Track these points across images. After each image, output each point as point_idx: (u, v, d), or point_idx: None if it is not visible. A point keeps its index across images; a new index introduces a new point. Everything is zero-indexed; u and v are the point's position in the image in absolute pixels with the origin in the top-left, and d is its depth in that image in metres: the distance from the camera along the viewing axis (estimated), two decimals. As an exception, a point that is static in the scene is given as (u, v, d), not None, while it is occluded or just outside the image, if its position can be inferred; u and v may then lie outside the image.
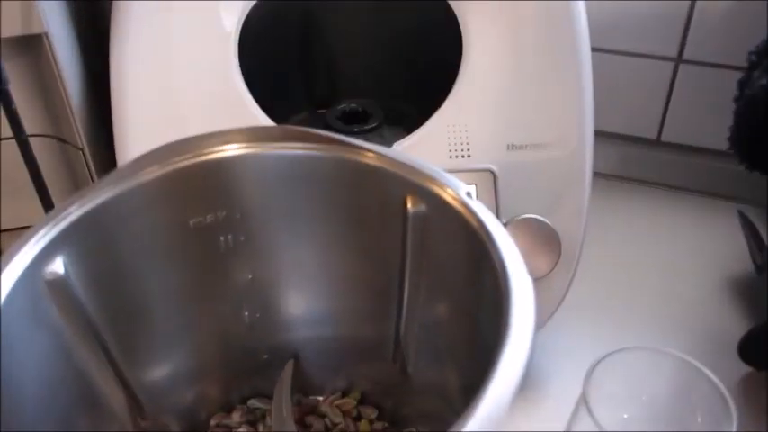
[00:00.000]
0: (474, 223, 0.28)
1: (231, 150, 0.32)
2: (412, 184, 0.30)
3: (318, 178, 0.33)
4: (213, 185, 0.33)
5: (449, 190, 0.29)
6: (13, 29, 0.43)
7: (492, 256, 0.26)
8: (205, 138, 0.32)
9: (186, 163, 0.32)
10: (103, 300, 0.31)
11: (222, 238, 0.34)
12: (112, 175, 0.31)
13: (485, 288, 0.27)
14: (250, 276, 0.36)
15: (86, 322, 0.30)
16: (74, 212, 0.29)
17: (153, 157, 0.31)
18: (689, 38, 0.59)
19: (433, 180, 0.30)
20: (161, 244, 0.33)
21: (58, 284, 0.28)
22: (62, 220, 0.29)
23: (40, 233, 0.28)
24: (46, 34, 0.44)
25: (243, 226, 0.34)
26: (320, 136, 0.32)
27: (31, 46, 0.45)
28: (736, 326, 0.49)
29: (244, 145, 0.32)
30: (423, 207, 0.31)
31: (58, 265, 0.28)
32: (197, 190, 0.32)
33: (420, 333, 0.35)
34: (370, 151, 0.31)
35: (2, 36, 0.42)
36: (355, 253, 0.35)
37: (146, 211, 0.32)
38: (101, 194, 0.30)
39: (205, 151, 0.32)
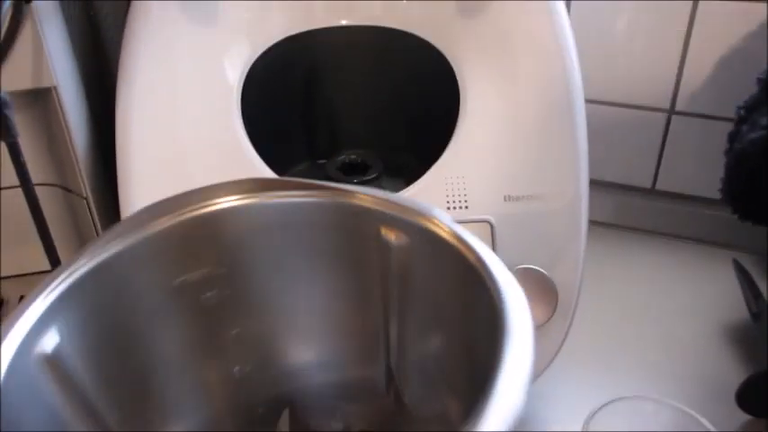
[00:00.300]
0: (464, 250, 0.28)
1: (228, 202, 0.32)
2: (393, 217, 0.30)
3: (302, 221, 0.33)
4: (204, 238, 0.33)
5: (437, 221, 0.29)
6: (24, 82, 0.44)
7: (483, 277, 0.26)
8: (196, 192, 0.32)
9: (177, 219, 0.32)
10: (97, 371, 0.30)
11: (209, 294, 0.34)
12: (113, 231, 0.31)
13: (479, 312, 0.26)
14: (237, 330, 0.36)
15: (82, 395, 0.30)
16: (66, 280, 0.29)
17: (155, 209, 0.32)
18: (680, 90, 0.61)
19: (419, 213, 0.30)
20: (150, 304, 0.32)
21: (52, 358, 0.28)
22: (53, 290, 0.28)
23: (33, 306, 0.27)
24: (55, 88, 0.45)
25: (230, 279, 0.34)
26: (318, 185, 0.33)
27: (40, 98, 0.46)
28: (733, 374, 0.49)
29: (243, 196, 0.33)
30: (404, 239, 0.30)
31: (52, 338, 0.28)
32: (186, 244, 0.32)
33: (414, 365, 0.34)
34: (360, 193, 0.31)
35: (13, 89, 0.43)
36: (341, 294, 0.35)
37: (137, 274, 0.31)
38: (105, 250, 0.30)
39: (197, 205, 0.32)
